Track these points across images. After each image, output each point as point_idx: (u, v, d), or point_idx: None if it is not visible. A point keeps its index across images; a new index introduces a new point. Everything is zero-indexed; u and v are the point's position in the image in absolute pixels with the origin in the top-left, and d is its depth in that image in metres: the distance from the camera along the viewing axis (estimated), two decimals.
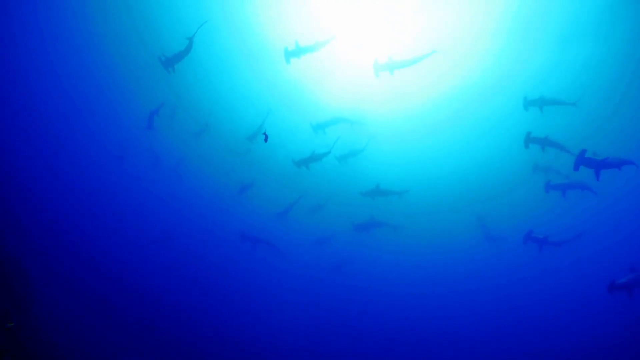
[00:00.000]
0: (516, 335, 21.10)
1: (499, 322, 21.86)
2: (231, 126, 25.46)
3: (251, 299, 20.69)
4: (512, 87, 23.85)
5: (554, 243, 14.48)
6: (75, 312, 14.69)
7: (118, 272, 18.04)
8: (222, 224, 21.31)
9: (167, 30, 22.56)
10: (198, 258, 21.56)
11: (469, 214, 26.08)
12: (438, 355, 19.72)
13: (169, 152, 24.27)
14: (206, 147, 24.79)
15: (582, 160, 10.64)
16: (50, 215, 18.07)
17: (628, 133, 23.43)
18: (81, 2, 21.20)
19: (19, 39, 21.85)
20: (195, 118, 24.37)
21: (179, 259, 21.09)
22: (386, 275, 25.60)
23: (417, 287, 24.66)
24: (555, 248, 14.65)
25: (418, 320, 21.99)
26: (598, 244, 24.94)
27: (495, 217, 25.03)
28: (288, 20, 22.94)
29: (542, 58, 22.70)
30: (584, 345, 19.58)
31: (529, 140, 11.84)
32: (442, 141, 28.35)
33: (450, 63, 24.13)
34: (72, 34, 22.73)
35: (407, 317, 22.29)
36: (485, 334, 21.08)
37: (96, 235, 19.45)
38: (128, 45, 24.01)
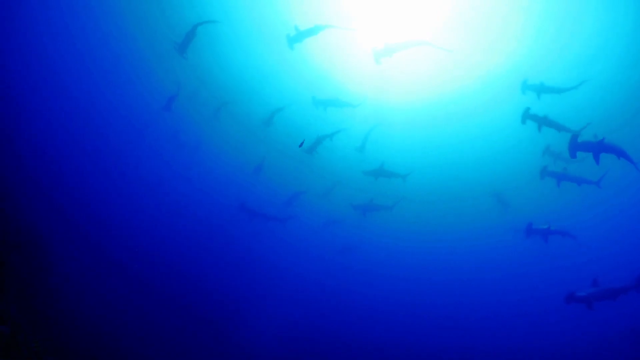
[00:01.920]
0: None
1: (506, 311, 21.83)
2: (250, 106, 25.98)
3: (259, 270, 21.27)
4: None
5: (558, 232, 14.10)
6: (93, 272, 15.36)
7: (135, 236, 18.70)
8: (237, 199, 21.67)
9: (189, 12, 23.05)
10: (213, 230, 22.04)
11: (482, 203, 26.08)
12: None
13: (188, 132, 25.00)
14: (225, 127, 25.42)
15: (576, 145, 10.24)
16: (68, 179, 18.71)
17: None
18: None
19: (45, 23, 22.72)
20: (216, 98, 24.98)
21: (194, 229, 21.71)
22: (396, 260, 25.90)
23: (426, 272, 24.88)
24: (562, 238, 14.41)
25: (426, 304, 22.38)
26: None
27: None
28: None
29: (577, 49, 22.23)
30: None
31: (527, 116, 11.45)
32: (462, 130, 28.19)
33: (475, 54, 23.99)
34: (97, 17, 23.56)
35: (416, 300, 22.62)
36: (492, 323, 21.11)
37: (114, 200, 20.19)
38: (152, 26, 24.69)
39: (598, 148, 10.23)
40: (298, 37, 13.62)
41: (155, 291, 17.00)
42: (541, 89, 12.62)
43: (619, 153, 10.47)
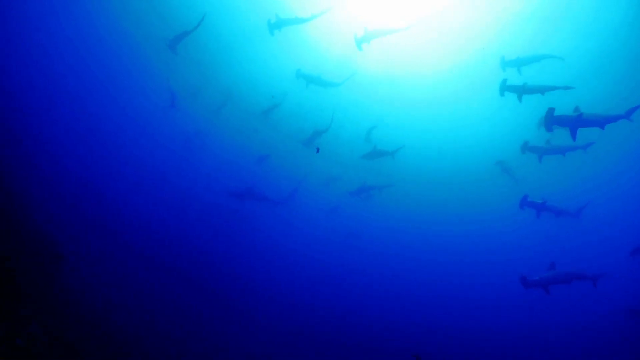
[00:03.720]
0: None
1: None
2: (253, 98, 26.30)
3: (268, 252, 21.53)
4: None
5: (554, 210, 13.88)
6: (107, 265, 15.51)
7: (147, 224, 18.99)
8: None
9: (191, 11, 23.29)
10: (222, 216, 22.16)
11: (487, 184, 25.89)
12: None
13: (195, 123, 25.56)
14: (228, 119, 25.87)
15: (552, 119, 9.90)
16: (78, 169, 19.08)
17: None
18: None
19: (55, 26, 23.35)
20: (218, 92, 25.43)
21: (204, 215, 21.92)
22: (399, 241, 26.18)
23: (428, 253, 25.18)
24: (556, 216, 14.19)
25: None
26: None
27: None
28: None
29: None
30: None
31: (504, 88, 11.07)
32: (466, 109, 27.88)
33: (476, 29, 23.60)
34: (100, 16, 24.13)
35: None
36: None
37: (122, 187, 20.49)
38: (152, 25, 25.20)
39: (576, 123, 9.85)
40: (278, 24, 13.82)
41: (169, 274, 17.26)
42: (520, 62, 12.65)
43: (601, 122, 9.93)
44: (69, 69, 24.02)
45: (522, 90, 10.93)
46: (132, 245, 17.25)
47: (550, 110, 9.92)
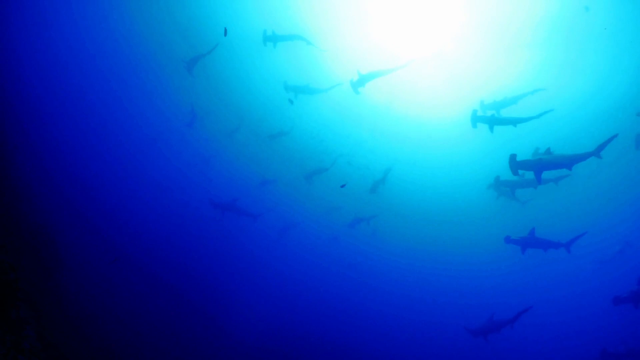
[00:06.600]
0: None
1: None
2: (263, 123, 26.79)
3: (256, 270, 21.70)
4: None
5: (539, 243, 12.65)
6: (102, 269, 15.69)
7: (145, 235, 19.31)
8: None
9: (210, 33, 24.03)
10: (215, 231, 22.20)
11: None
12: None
13: (205, 146, 26.06)
14: (240, 141, 26.36)
15: (515, 164, 9.77)
16: (84, 178, 19.64)
17: None
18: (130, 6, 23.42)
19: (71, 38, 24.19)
20: (230, 116, 26.03)
21: (199, 230, 22.15)
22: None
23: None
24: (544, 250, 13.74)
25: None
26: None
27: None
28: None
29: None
30: None
31: (476, 120, 11.35)
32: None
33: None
34: (122, 37, 24.99)
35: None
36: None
37: (125, 198, 20.92)
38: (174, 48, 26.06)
39: (539, 166, 9.73)
40: (273, 38, 14.21)
41: (164, 288, 17.65)
42: (498, 105, 12.84)
43: (567, 163, 9.65)
44: (90, 83, 24.79)
45: (492, 121, 11.23)
46: (128, 256, 17.40)
47: (513, 156, 9.83)
